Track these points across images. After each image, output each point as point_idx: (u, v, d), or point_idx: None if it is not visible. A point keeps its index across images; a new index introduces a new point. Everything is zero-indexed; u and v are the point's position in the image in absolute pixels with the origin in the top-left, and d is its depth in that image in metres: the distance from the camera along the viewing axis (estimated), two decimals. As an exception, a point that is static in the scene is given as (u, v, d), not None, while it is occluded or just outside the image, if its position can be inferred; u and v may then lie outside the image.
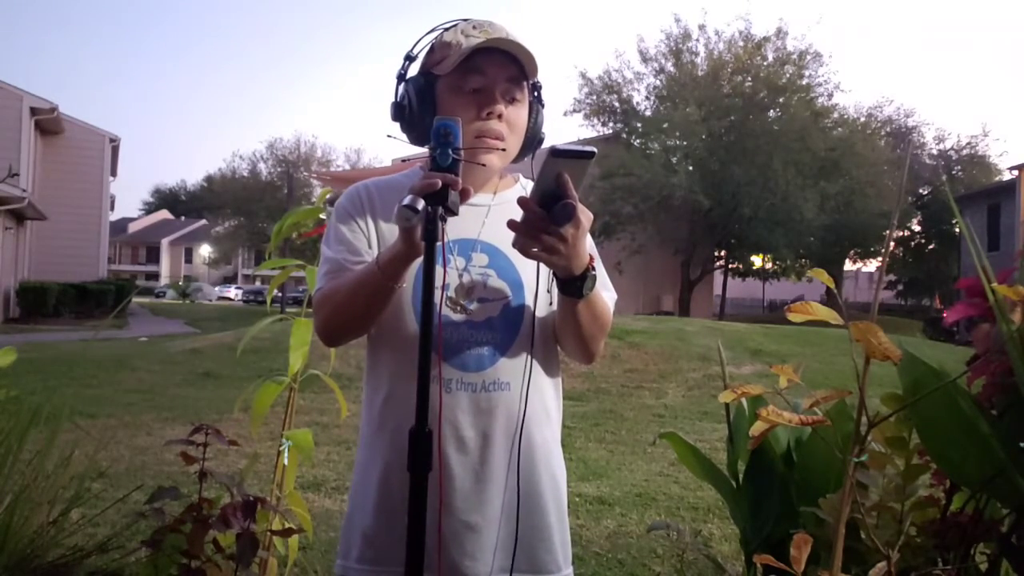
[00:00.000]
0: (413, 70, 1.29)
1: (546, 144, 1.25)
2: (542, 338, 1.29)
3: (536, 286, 1.24)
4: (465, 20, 1.27)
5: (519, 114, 1.27)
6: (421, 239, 1.02)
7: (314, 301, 1.28)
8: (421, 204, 1.00)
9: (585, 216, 1.08)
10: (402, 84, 1.28)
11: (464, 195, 1.04)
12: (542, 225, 1.06)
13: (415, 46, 1.28)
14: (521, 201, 1.07)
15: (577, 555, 3.46)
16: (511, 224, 1.08)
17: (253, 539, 1.94)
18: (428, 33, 1.29)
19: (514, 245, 1.09)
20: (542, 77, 1.31)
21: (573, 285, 1.16)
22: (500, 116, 1.23)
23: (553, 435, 1.34)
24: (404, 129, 1.29)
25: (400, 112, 1.28)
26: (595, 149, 1.03)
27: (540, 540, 1.28)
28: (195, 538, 1.96)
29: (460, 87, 1.23)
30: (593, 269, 1.16)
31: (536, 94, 1.31)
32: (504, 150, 1.26)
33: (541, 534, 1.28)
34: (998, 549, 1.44)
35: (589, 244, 1.29)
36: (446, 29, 1.27)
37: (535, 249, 1.08)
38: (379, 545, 1.24)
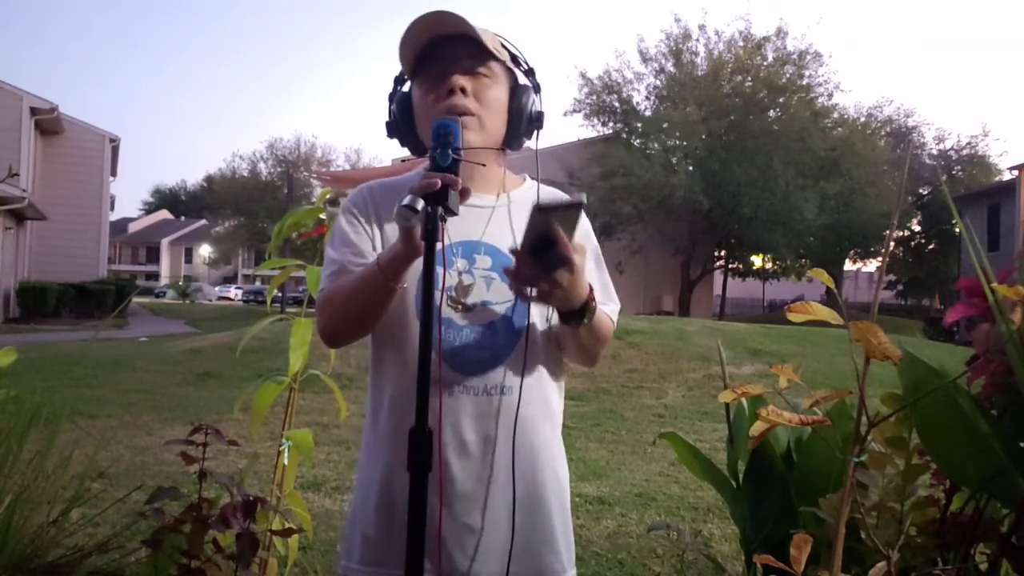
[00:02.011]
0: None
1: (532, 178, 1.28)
2: (546, 341, 1.28)
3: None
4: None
5: (489, 89, 1.25)
6: (421, 239, 1.02)
7: (317, 302, 1.28)
8: (420, 204, 1.00)
9: (580, 256, 1.09)
10: (392, 104, 1.31)
11: (464, 195, 1.04)
12: (535, 273, 1.08)
13: (401, 69, 1.29)
14: (514, 252, 1.10)
15: (577, 555, 3.43)
16: (507, 271, 1.12)
17: (253, 539, 1.94)
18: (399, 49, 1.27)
19: (511, 287, 1.13)
20: (540, 72, 1.30)
21: (572, 317, 1.18)
22: (464, 90, 1.22)
23: (556, 436, 1.34)
24: (401, 143, 1.31)
25: (391, 129, 1.30)
26: (583, 199, 1.04)
27: (545, 543, 1.27)
28: (195, 538, 1.96)
29: (424, 79, 1.24)
30: (593, 300, 1.17)
31: (531, 79, 1.30)
32: (493, 140, 1.26)
33: (546, 536, 1.28)
34: (998, 549, 1.44)
35: (595, 249, 1.31)
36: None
37: (531, 293, 1.11)
38: (380, 546, 1.24)
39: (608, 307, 1.30)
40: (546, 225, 1.04)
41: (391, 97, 1.30)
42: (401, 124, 1.28)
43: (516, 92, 1.28)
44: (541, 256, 1.06)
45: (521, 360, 1.25)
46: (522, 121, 1.28)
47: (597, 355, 1.31)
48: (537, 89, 1.30)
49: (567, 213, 1.05)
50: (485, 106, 1.23)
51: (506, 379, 1.24)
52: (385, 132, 1.31)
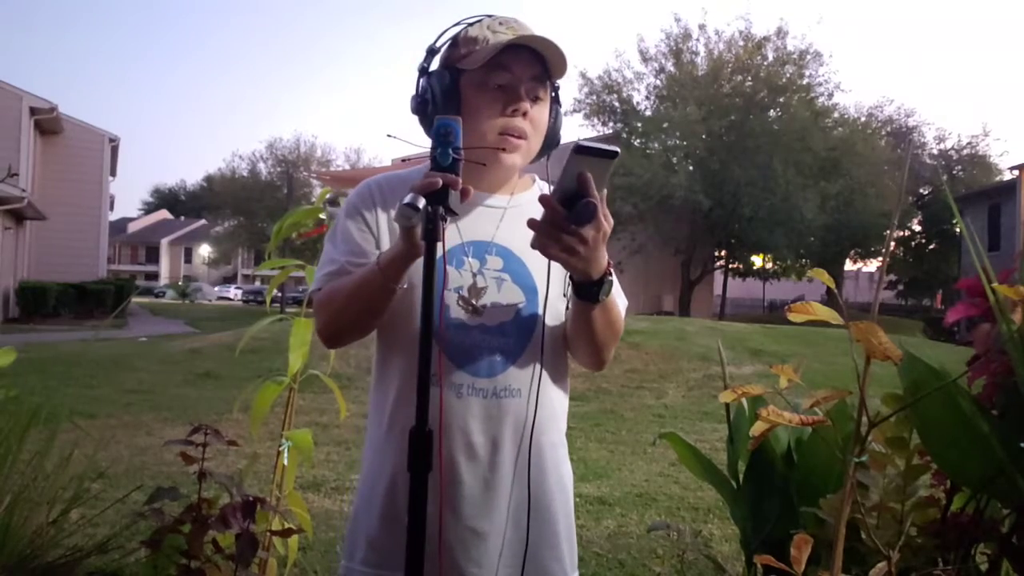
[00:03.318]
0: (434, 64, 1.27)
1: (565, 142, 1.23)
2: (554, 344, 1.27)
3: (547, 291, 1.22)
4: (489, 16, 1.25)
5: (542, 113, 1.25)
6: (421, 239, 1.01)
7: (314, 302, 1.26)
8: (422, 202, 0.99)
9: (607, 219, 1.05)
10: (423, 78, 1.26)
11: (464, 195, 1.03)
12: (562, 225, 1.03)
13: (438, 39, 1.26)
14: (542, 199, 1.04)
15: (578, 555, 3.45)
16: (531, 223, 1.05)
17: (253, 539, 1.94)
18: (452, 27, 1.27)
19: (533, 245, 1.07)
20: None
21: (590, 290, 1.13)
22: (525, 114, 1.22)
23: (561, 439, 1.33)
24: (423, 123, 1.26)
25: (423, 106, 1.25)
26: (618, 149, 1.01)
27: (549, 548, 1.27)
28: (194, 538, 1.96)
29: (485, 83, 1.21)
30: (610, 274, 1.13)
31: (554, 94, 1.29)
32: (524, 149, 1.25)
33: (550, 541, 1.27)
34: (998, 549, 1.44)
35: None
36: (470, 24, 1.25)
37: (554, 250, 1.06)
38: (384, 548, 1.23)
39: (619, 300, 1.27)
40: (580, 172, 1.00)
41: (423, 71, 1.26)
42: (441, 106, 1.22)
43: (551, 111, 1.28)
44: (571, 207, 1.02)
45: (531, 362, 1.23)
46: (554, 140, 1.30)
47: (608, 352, 1.26)
48: (560, 104, 1.31)
49: (601, 163, 1.01)
50: (535, 129, 1.25)
51: (514, 382, 1.23)
52: (412, 106, 1.26)
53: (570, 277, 1.15)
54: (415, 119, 1.28)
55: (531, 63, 1.21)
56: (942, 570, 1.39)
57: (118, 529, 2.74)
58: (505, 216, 1.27)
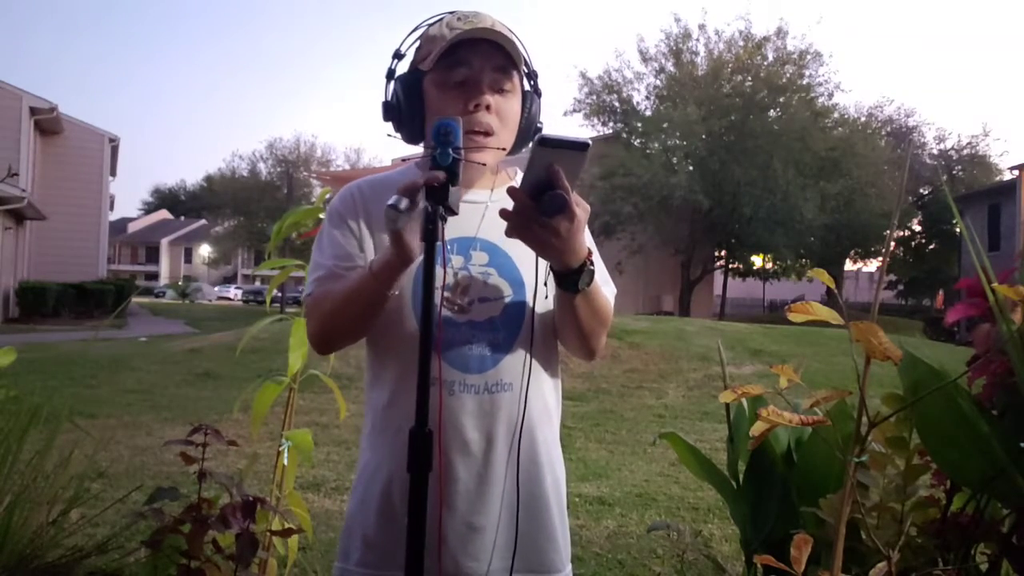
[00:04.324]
0: (403, 68, 1.28)
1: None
2: (543, 336, 1.27)
3: (536, 283, 1.22)
4: (451, 13, 1.25)
5: (510, 105, 1.24)
6: (421, 239, 1.01)
7: (305, 307, 1.26)
8: (404, 204, 1.00)
9: (581, 209, 1.05)
10: (391, 83, 1.27)
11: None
12: (532, 216, 1.03)
13: (403, 43, 1.27)
14: (511, 191, 1.04)
15: (577, 555, 3.46)
16: (502, 212, 1.06)
17: (252, 539, 1.94)
18: (415, 29, 1.27)
19: (507, 234, 1.07)
20: (541, 71, 1.29)
21: (569, 279, 1.13)
22: (488, 108, 1.21)
23: (553, 434, 1.33)
24: (396, 128, 1.28)
25: (390, 111, 1.27)
26: (589, 141, 1.01)
27: (547, 540, 1.27)
28: (194, 538, 1.96)
29: (446, 81, 1.21)
30: (591, 263, 1.14)
31: (532, 83, 1.29)
32: (503, 148, 1.25)
33: (547, 533, 1.27)
34: (999, 549, 1.44)
35: (588, 240, 1.26)
36: (431, 24, 1.25)
37: (527, 241, 1.06)
38: (380, 548, 1.23)
39: (606, 289, 1.27)
40: (548, 163, 1.00)
41: (391, 75, 1.27)
42: (406, 110, 1.24)
43: (526, 101, 1.28)
44: (540, 199, 1.02)
45: (521, 355, 1.23)
46: (531, 131, 1.28)
47: (596, 341, 1.26)
48: (539, 94, 1.30)
49: (571, 154, 1.01)
50: (504, 122, 1.23)
51: (505, 376, 1.23)
52: (382, 112, 1.27)
53: (550, 267, 1.15)
54: None
55: (491, 54, 1.21)
56: (942, 570, 1.39)
57: (118, 529, 2.74)
58: (488, 210, 1.26)
